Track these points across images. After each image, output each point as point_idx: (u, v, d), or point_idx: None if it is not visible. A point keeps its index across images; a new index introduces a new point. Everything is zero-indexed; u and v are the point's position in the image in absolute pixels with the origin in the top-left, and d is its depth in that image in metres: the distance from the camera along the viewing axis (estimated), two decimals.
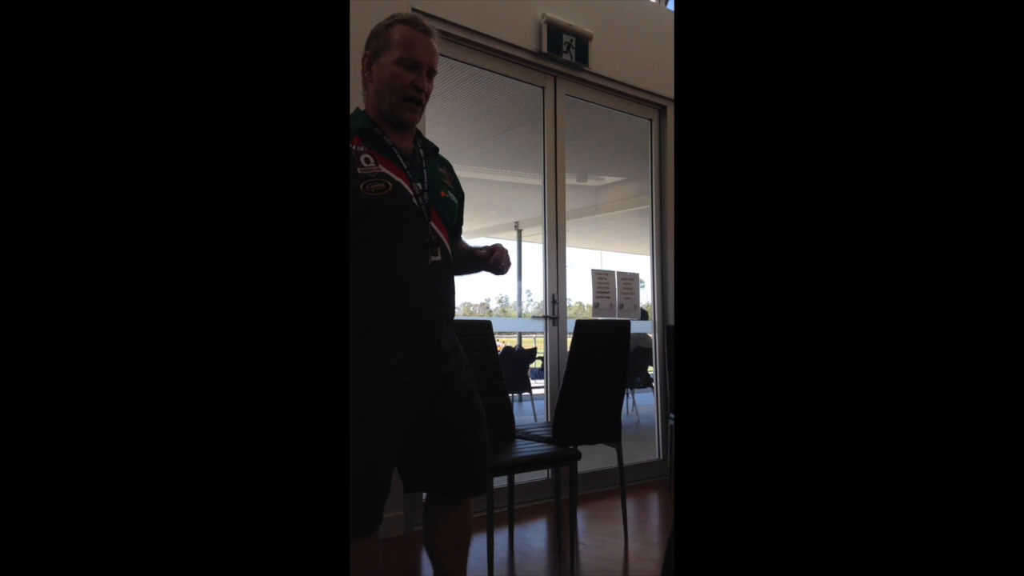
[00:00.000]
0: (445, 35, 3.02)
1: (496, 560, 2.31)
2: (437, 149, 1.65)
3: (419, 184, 1.50)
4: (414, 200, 1.48)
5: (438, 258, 1.50)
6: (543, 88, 3.47)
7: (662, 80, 3.79)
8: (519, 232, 4.90)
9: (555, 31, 3.33)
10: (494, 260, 1.62)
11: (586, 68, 3.50)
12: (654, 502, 3.42)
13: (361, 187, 1.40)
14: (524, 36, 3.27)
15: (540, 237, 3.51)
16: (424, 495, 1.75)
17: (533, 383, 5.87)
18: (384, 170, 1.45)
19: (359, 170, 1.42)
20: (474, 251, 1.67)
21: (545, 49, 3.30)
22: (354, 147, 1.44)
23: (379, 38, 1.51)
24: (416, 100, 1.50)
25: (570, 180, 3.67)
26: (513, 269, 3.81)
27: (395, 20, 1.52)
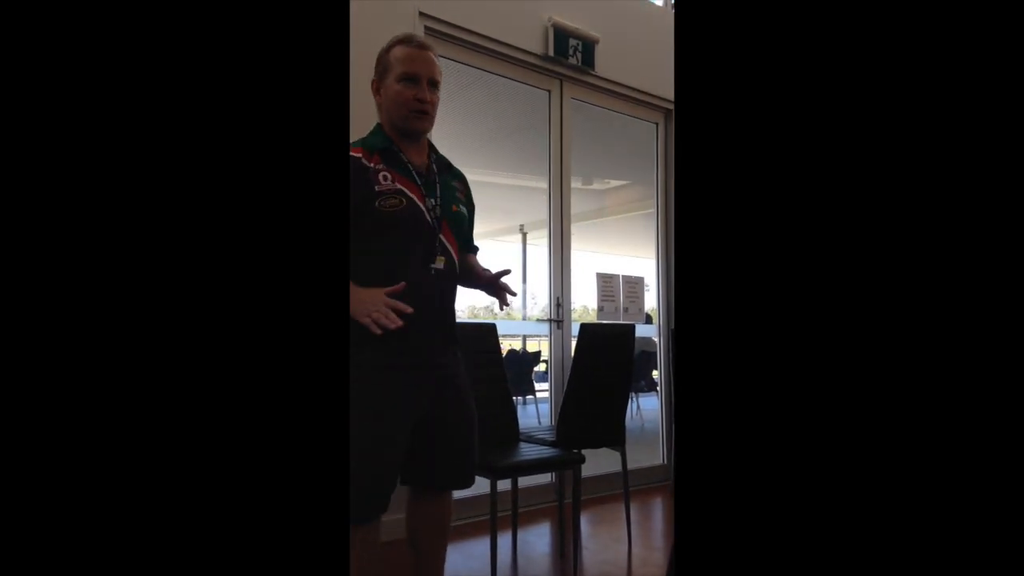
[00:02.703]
0: (451, 38, 3.03)
1: (499, 563, 2.31)
2: (450, 164, 1.76)
3: (432, 199, 1.63)
4: (426, 215, 1.60)
5: (441, 267, 1.64)
6: (549, 91, 3.47)
7: (668, 84, 3.78)
8: (524, 235, 4.90)
9: (561, 35, 3.33)
10: (497, 286, 1.75)
11: (592, 72, 3.50)
12: (658, 507, 3.42)
13: (377, 204, 1.54)
14: (530, 40, 3.27)
15: (545, 240, 3.51)
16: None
17: (537, 386, 5.86)
18: (400, 187, 1.58)
19: (377, 188, 1.55)
20: (480, 272, 1.80)
21: (551, 53, 3.30)
22: (372, 165, 1.57)
23: (381, 62, 1.65)
24: (421, 111, 1.61)
25: (575, 183, 3.67)
26: (518, 272, 3.80)
27: (393, 43, 1.65)
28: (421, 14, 2.90)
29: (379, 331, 1.38)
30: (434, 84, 1.64)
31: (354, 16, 2.25)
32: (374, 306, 1.40)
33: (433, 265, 1.62)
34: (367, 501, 1.50)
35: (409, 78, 1.60)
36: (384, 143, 1.62)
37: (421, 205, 1.60)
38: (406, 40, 1.64)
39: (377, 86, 1.66)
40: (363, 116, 2.35)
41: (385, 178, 1.57)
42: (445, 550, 1.81)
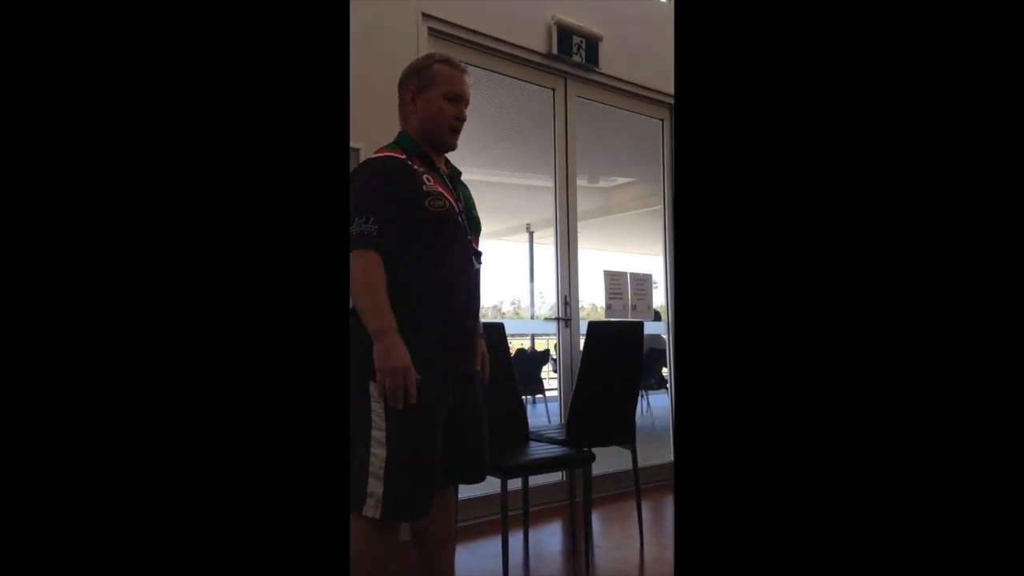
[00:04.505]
0: (453, 38, 3.03)
1: (511, 563, 2.31)
2: (460, 173, 1.85)
3: (460, 203, 1.73)
4: (460, 216, 1.70)
5: (479, 265, 1.75)
6: (553, 90, 3.47)
7: (672, 80, 3.76)
8: (531, 234, 4.89)
9: (565, 33, 3.33)
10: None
11: (596, 69, 3.49)
12: (669, 504, 3.40)
13: (427, 203, 1.63)
14: (534, 38, 3.26)
15: (552, 239, 3.50)
16: None
17: (548, 379, 5.86)
18: (440, 189, 1.68)
19: (424, 188, 1.64)
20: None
21: (555, 51, 3.29)
22: (416, 167, 1.66)
23: (421, 74, 1.72)
24: (458, 128, 1.74)
25: (581, 182, 3.66)
26: (525, 271, 3.80)
27: (434, 60, 1.74)
28: (424, 15, 2.89)
29: (400, 406, 1.49)
30: (467, 104, 1.76)
31: (354, 16, 2.25)
32: (404, 378, 1.49)
33: (477, 265, 1.73)
34: (415, 501, 1.58)
35: (454, 97, 1.70)
36: (419, 149, 1.70)
37: (456, 207, 1.69)
38: (449, 60, 1.74)
39: (413, 96, 1.72)
40: (363, 116, 2.33)
41: (428, 180, 1.66)
42: (454, 548, 1.83)
